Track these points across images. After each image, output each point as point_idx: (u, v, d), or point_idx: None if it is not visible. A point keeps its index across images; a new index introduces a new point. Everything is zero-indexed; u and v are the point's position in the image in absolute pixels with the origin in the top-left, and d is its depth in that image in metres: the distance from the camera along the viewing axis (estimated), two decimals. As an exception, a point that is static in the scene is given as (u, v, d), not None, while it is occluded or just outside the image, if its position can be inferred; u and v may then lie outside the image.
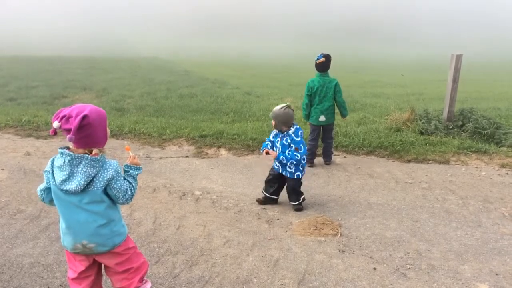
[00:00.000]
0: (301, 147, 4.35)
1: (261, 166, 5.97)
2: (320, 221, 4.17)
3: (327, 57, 5.80)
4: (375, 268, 3.39)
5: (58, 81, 15.15)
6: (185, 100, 11.59)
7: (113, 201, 2.50)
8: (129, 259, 2.60)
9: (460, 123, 7.27)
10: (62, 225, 2.48)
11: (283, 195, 4.68)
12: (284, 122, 4.37)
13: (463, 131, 7.13)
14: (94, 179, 2.36)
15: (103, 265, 2.64)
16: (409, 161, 6.15)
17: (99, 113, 2.39)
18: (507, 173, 5.60)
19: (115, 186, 2.43)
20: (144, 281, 2.71)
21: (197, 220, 4.25)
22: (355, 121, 8.52)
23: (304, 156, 4.40)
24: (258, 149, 6.75)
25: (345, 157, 6.38)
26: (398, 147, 6.54)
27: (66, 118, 2.30)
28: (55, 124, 2.31)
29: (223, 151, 6.67)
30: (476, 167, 5.84)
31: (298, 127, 4.45)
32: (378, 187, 5.19)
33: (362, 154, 6.48)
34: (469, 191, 5.01)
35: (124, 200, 2.49)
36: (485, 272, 3.33)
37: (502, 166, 5.86)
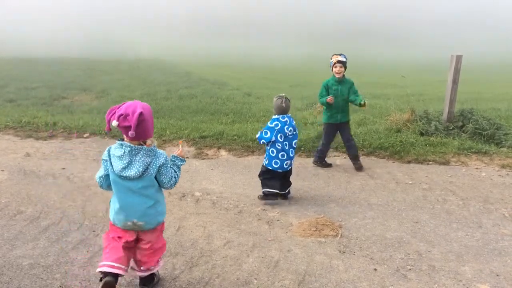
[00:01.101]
0: (263, 130, 4.58)
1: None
2: (321, 222, 4.17)
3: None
4: (375, 269, 3.38)
5: (57, 83, 15.13)
6: (185, 101, 11.58)
7: (159, 185, 2.89)
8: (157, 238, 3.00)
9: (460, 123, 7.27)
10: (115, 205, 2.84)
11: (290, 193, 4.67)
12: (274, 109, 4.64)
13: (463, 131, 7.12)
14: (149, 167, 2.76)
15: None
16: (409, 162, 6.15)
17: (149, 108, 2.76)
18: (508, 174, 5.60)
19: (163, 172, 2.84)
20: (159, 260, 3.08)
21: (197, 221, 4.24)
22: (355, 122, 8.51)
23: (258, 139, 4.63)
24: (258, 150, 6.74)
25: (345, 158, 6.37)
26: (398, 148, 6.54)
27: (124, 117, 2.63)
28: (114, 123, 2.65)
29: (223, 152, 6.67)
30: (477, 168, 5.84)
31: (275, 117, 4.58)
32: (378, 188, 5.18)
33: (362, 155, 6.47)
34: (470, 192, 5.00)
35: (169, 185, 2.89)
36: (485, 273, 3.33)
37: (503, 166, 5.86)
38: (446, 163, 6.06)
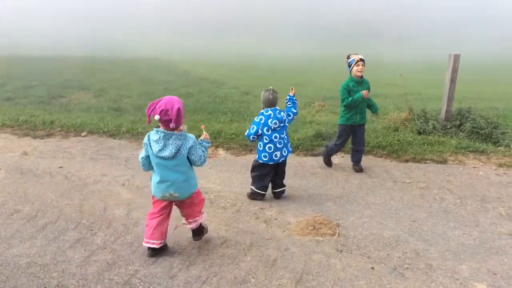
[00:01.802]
0: (251, 126, 4.63)
1: (259, 166, 5.97)
2: (318, 221, 4.16)
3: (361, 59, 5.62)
4: (373, 268, 3.38)
5: (56, 81, 15.11)
6: (183, 100, 11.47)
7: (191, 163, 3.49)
8: (194, 199, 3.59)
9: (458, 122, 7.28)
10: (155, 179, 3.44)
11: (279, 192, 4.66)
12: (262, 102, 4.69)
13: (460, 130, 7.13)
14: (180, 148, 3.35)
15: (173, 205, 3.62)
16: (407, 161, 6.15)
17: (181, 102, 3.36)
18: (505, 173, 5.61)
19: (193, 152, 3.42)
20: (202, 212, 3.68)
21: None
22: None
23: (247, 136, 4.66)
24: (255, 149, 6.74)
25: (342, 156, 6.38)
26: (396, 147, 6.54)
27: (165, 112, 3.21)
28: (157, 117, 3.21)
29: (221, 151, 6.67)
30: (474, 167, 5.85)
31: (261, 112, 4.63)
32: (376, 186, 5.19)
33: (360, 153, 6.47)
34: (467, 191, 5.01)
35: (199, 163, 3.48)
36: (482, 272, 3.33)
37: (500, 165, 5.87)
38: (444, 162, 6.06)
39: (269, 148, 4.58)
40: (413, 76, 20.46)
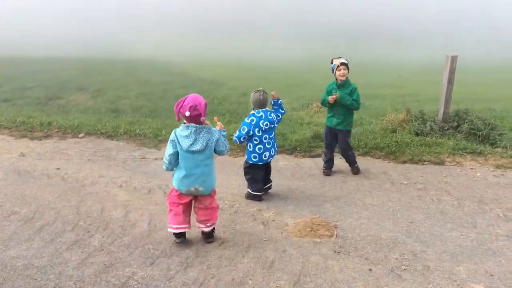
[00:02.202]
0: (241, 127, 4.67)
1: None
2: (316, 223, 4.17)
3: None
4: (370, 269, 3.39)
5: (53, 82, 15.06)
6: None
7: (218, 154, 3.73)
8: (213, 200, 3.81)
9: (455, 124, 7.29)
10: (180, 174, 3.59)
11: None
12: (252, 103, 4.74)
13: (458, 132, 7.14)
14: (208, 141, 3.55)
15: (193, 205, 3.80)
16: (404, 162, 6.16)
17: (203, 98, 3.59)
18: (502, 174, 5.62)
19: (220, 144, 3.66)
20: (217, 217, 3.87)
21: (192, 221, 4.22)
22: (351, 122, 8.52)
23: (235, 138, 4.70)
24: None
25: (340, 158, 6.37)
26: (393, 148, 6.55)
27: (194, 108, 3.42)
28: (187, 113, 3.43)
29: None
30: (471, 168, 5.86)
31: (251, 113, 4.69)
32: (373, 188, 5.19)
33: (358, 155, 6.47)
34: (464, 192, 5.02)
35: (226, 151, 3.75)
36: (480, 273, 3.34)
37: (497, 167, 5.88)
38: (441, 163, 6.07)
39: (259, 149, 4.68)
40: (411, 77, 20.49)
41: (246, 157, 4.79)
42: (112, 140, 7.37)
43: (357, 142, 6.81)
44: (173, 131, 3.58)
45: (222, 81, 16.64)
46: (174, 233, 3.76)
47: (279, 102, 4.92)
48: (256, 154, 4.69)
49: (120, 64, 23.40)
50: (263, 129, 4.64)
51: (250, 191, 4.81)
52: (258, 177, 4.77)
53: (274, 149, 4.84)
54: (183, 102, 3.46)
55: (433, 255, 3.61)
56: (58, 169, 5.82)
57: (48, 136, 7.55)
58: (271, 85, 16.04)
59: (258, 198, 4.78)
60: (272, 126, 4.74)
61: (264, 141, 4.68)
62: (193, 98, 3.48)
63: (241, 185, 5.27)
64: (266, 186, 4.92)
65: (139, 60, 26.54)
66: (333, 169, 5.83)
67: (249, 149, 4.73)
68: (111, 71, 19.63)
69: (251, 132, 4.62)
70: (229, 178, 5.54)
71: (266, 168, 4.86)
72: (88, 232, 4.00)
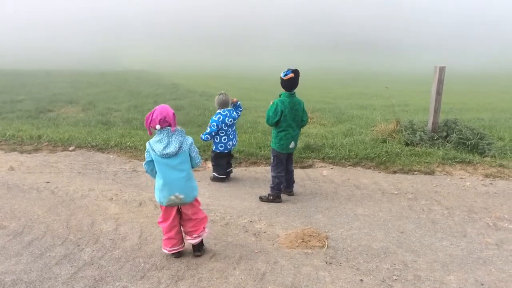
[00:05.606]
0: (210, 125, 5.70)
1: (248, 178, 5.97)
2: (307, 233, 4.17)
3: (296, 73, 4.84)
4: (362, 280, 3.39)
5: (43, 95, 15.00)
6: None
7: (191, 162, 3.71)
8: (198, 210, 3.80)
9: (444, 133, 7.36)
10: (159, 183, 3.60)
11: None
12: (216, 104, 5.82)
13: (447, 141, 7.21)
14: (182, 144, 3.56)
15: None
16: (395, 172, 6.20)
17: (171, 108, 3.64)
18: (491, 183, 5.67)
19: (193, 149, 3.66)
20: (206, 228, 3.86)
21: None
22: (341, 132, 8.57)
23: (204, 137, 5.72)
24: (245, 162, 6.75)
25: (331, 168, 6.41)
26: (384, 158, 6.59)
27: (163, 120, 3.47)
28: (158, 126, 3.47)
29: (210, 164, 6.64)
30: (461, 178, 5.91)
31: (218, 112, 5.74)
32: (364, 198, 5.21)
33: (349, 165, 6.51)
34: (454, 202, 5.05)
35: (198, 160, 3.73)
36: (470, 282, 3.35)
37: (486, 176, 5.94)
38: (431, 172, 6.12)
39: (225, 139, 5.77)
40: (401, 88, 20.70)
41: (214, 147, 5.81)
42: (102, 153, 7.34)
43: (348, 153, 6.84)
44: (147, 143, 3.61)
45: (213, 92, 16.67)
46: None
47: (238, 104, 5.96)
48: (222, 144, 5.76)
49: (111, 76, 23.36)
50: (228, 124, 5.73)
51: (215, 174, 5.87)
52: (224, 163, 5.82)
53: (236, 139, 5.93)
54: (152, 116, 3.49)
55: (424, 265, 3.62)
56: (48, 182, 5.77)
57: (38, 150, 7.50)
58: (260, 96, 16.13)
59: (221, 180, 5.82)
60: (234, 121, 5.85)
61: (228, 133, 5.77)
62: (161, 110, 3.50)
63: (232, 196, 5.26)
64: (228, 170, 5.91)
65: (129, 73, 26.52)
66: (324, 180, 5.85)
67: (216, 141, 5.77)
68: (101, 83, 19.59)
69: (220, 126, 5.65)
70: (220, 190, 5.53)
71: (228, 156, 5.88)
72: (78, 246, 3.96)
